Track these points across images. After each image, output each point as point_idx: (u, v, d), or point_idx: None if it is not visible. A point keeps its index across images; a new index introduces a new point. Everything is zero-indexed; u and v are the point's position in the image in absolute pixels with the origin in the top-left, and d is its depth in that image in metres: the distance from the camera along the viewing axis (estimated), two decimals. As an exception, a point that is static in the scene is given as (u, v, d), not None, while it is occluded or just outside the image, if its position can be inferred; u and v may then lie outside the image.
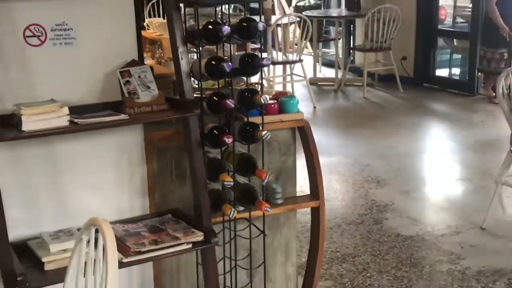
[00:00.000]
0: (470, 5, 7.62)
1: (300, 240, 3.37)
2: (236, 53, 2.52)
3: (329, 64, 9.14)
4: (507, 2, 6.61)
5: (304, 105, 7.00)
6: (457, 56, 8.36)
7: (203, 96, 2.50)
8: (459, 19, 8.39)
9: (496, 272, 3.44)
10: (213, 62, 2.40)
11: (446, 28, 8.23)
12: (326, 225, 3.13)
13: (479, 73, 7.26)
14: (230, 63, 2.38)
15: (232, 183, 2.48)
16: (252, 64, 2.42)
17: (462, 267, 3.51)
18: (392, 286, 3.31)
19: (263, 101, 2.43)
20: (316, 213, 2.99)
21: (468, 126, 6.31)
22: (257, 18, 2.42)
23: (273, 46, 7.49)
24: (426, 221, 4.14)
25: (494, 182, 4.11)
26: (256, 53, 2.47)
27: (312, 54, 8.69)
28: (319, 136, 5.54)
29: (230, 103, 2.37)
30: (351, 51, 8.68)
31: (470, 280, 3.36)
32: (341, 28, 8.63)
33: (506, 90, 3.68)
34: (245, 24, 2.41)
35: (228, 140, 2.40)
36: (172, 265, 2.81)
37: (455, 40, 8.33)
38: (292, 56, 7.07)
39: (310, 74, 8.01)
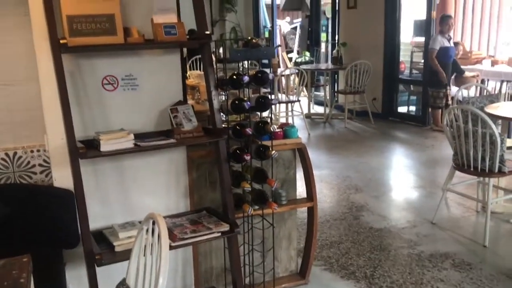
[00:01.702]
0: (422, 61, 7.62)
1: (299, 231, 3.35)
2: (253, 95, 2.53)
3: (319, 103, 9.13)
4: (443, 53, 6.61)
5: (301, 132, 6.97)
6: (413, 97, 8.32)
7: (229, 126, 2.53)
8: (414, 71, 8.38)
9: (444, 254, 3.40)
10: (237, 102, 2.43)
11: (405, 78, 8.21)
12: (318, 220, 3.11)
13: (429, 109, 7.22)
14: (249, 102, 2.41)
15: (250, 189, 2.49)
16: (264, 103, 2.44)
17: (418, 251, 3.46)
18: (367, 265, 3.28)
19: (272, 130, 2.46)
20: (311, 211, 2.98)
21: (421, 148, 6.26)
22: (267, 70, 2.45)
23: (279, 90, 7.53)
24: (391, 217, 4.10)
25: (441, 189, 4.08)
26: (267, 95, 2.50)
27: (307, 96, 8.70)
28: (312, 155, 5.52)
29: (249, 131, 2.39)
30: (335, 93, 8.68)
31: (424, 261, 3.32)
32: (328, 77, 8.65)
33: (449, 122, 3.67)
34: (259, 75, 2.44)
35: (247, 157, 2.42)
36: (206, 248, 2.81)
37: (411, 85, 8.30)
38: (292, 97, 7.09)
39: (305, 110, 8.01)
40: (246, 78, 2.35)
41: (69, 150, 2.09)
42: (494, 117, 3.66)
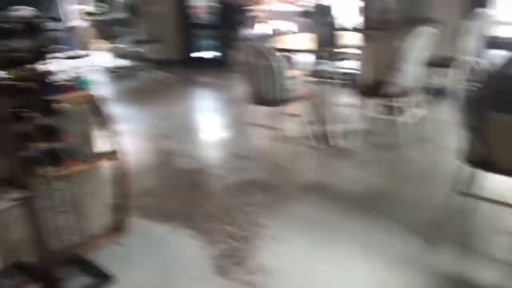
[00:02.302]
0: (218, 5, 7.79)
1: (112, 185, 3.24)
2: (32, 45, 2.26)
3: (122, 55, 8.75)
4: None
5: (105, 88, 6.68)
6: (211, 41, 8.51)
7: (7, 83, 2.23)
8: (212, 16, 8.53)
9: (251, 182, 3.66)
10: (11, 54, 2.15)
11: (202, 22, 8.32)
12: (133, 171, 3.01)
13: (226, 50, 7.47)
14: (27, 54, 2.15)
15: (43, 149, 2.28)
16: (42, 52, 2.21)
17: (230, 183, 3.67)
18: (183, 205, 3.36)
19: (61, 82, 2.26)
20: (119, 164, 2.88)
21: (224, 90, 6.54)
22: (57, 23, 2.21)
23: (74, 44, 6.96)
24: (202, 158, 4.25)
25: (245, 125, 4.35)
26: (46, 43, 2.26)
27: (108, 48, 8.25)
28: (119, 109, 5.35)
29: (31, 85, 2.16)
30: (136, 44, 8.40)
31: (235, 191, 3.54)
32: (127, 28, 8.29)
33: (242, 61, 3.86)
34: (36, 24, 2.18)
35: (33, 115, 2.19)
36: (5, 221, 2.53)
37: (209, 30, 8.46)
38: (88, 51, 6.63)
39: (107, 64, 7.62)
40: (18, 26, 2.08)
41: None
42: (277, 51, 3.97)
